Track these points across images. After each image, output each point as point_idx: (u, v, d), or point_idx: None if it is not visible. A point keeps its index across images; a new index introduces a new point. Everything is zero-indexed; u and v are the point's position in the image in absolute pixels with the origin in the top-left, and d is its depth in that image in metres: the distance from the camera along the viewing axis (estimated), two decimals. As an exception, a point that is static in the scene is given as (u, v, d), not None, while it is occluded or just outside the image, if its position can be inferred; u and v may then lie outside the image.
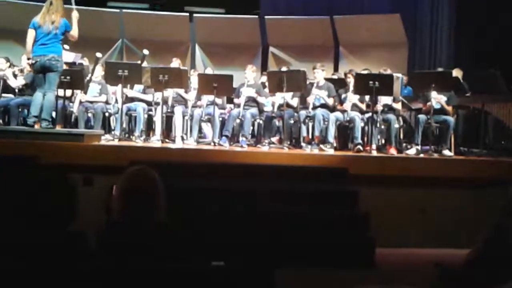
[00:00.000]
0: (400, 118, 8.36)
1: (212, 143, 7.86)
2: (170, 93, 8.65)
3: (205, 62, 12.36)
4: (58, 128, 7.49)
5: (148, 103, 8.60)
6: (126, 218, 2.53)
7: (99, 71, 8.81)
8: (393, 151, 7.58)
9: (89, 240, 2.50)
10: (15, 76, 8.74)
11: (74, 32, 7.04)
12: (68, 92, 8.34)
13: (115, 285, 2.26)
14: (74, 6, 7.24)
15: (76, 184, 2.58)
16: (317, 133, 7.90)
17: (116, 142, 7.66)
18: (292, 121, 8.50)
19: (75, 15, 7.12)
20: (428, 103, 7.69)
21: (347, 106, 8.11)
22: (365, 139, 7.90)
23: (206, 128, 9.38)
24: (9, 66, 8.91)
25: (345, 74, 9.06)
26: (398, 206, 6.01)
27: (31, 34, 6.96)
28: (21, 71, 8.82)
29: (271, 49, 12.61)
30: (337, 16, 12.17)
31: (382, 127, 8.17)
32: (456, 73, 8.75)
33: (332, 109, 8.23)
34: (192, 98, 8.73)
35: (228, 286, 2.38)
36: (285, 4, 12.98)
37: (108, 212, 2.72)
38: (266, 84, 8.57)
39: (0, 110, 8.60)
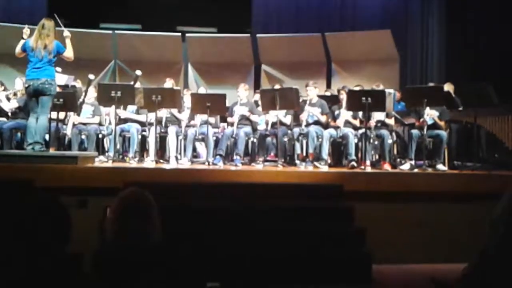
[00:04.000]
0: (394, 134, 8.39)
1: (207, 163, 7.85)
2: (163, 113, 8.66)
3: (198, 82, 12.42)
4: (52, 151, 7.47)
5: (142, 124, 8.61)
6: (121, 240, 2.53)
7: (92, 93, 8.82)
8: (387, 167, 7.60)
9: (84, 262, 2.49)
10: (8, 99, 8.74)
11: (69, 53, 7.05)
12: (61, 115, 8.34)
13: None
14: (63, 28, 7.27)
15: (70, 206, 2.57)
16: (311, 150, 7.91)
17: (110, 164, 7.64)
18: (285, 139, 8.51)
19: (66, 34, 7.16)
20: (422, 119, 7.72)
21: (340, 122, 8.13)
22: (359, 155, 7.92)
23: (200, 147, 9.40)
24: (3, 90, 8.91)
25: (338, 91, 9.10)
26: (394, 222, 6.00)
27: (20, 48, 7.00)
28: (15, 94, 8.82)
29: (264, 67, 12.67)
30: (328, 33, 12.26)
31: (376, 142, 8.19)
32: (448, 87, 8.80)
33: (326, 126, 8.25)
34: (186, 117, 8.74)
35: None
36: (277, 22, 13.09)
37: (103, 234, 2.71)
38: (259, 102, 8.59)
39: (-7, 133, 8.58)
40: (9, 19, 11.42)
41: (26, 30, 7.08)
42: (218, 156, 8.02)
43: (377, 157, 8.48)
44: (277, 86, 9.47)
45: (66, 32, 7.19)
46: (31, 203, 2.46)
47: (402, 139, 8.96)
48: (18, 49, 7.04)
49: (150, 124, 8.45)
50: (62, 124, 8.51)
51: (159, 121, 8.46)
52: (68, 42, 7.13)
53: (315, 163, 7.73)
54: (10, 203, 2.42)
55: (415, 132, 7.79)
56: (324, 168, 7.57)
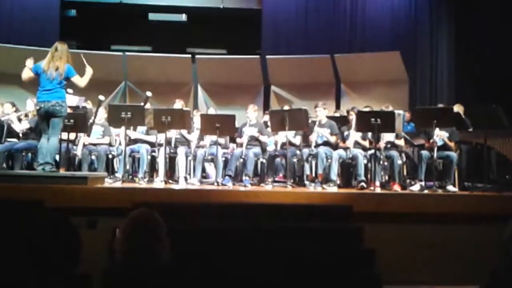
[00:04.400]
0: (403, 155, 8.36)
1: (216, 183, 7.86)
2: (173, 134, 8.69)
3: (207, 103, 12.45)
4: (62, 172, 7.50)
5: (152, 144, 8.64)
6: (130, 261, 2.53)
7: (102, 114, 8.88)
8: (397, 188, 7.57)
9: (93, 283, 2.49)
10: (19, 120, 8.80)
11: (80, 81, 7.06)
12: (72, 135, 8.38)
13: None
14: (87, 67, 7.28)
15: (80, 227, 2.58)
16: (320, 171, 7.90)
17: (119, 184, 7.66)
18: (295, 160, 8.50)
19: (89, 71, 7.18)
20: (431, 140, 7.70)
21: (349, 143, 8.13)
22: (369, 176, 7.89)
23: (210, 168, 9.40)
24: (14, 111, 8.98)
25: (347, 112, 9.11)
26: (404, 243, 5.97)
27: (27, 72, 7.04)
28: (26, 115, 8.89)
29: (273, 88, 12.69)
30: (337, 54, 12.29)
31: (385, 163, 8.17)
32: (457, 108, 8.79)
33: (335, 147, 8.25)
34: (195, 138, 8.76)
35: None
36: (286, 44, 13.13)
37: (112, 255, 2.71)
38: (269, 123, 8.61)
39: (4, 154, 8.62)
40: (21, 42, 11.53)
41: (29, 62, 7.11)
42: (227, 177, 8.03)
43: (386, 178, 8.45)
44: (286, 107, 9.50)
45: (90, 69, 7.21)
46: (40, 224, 2.47)
47: (412, 160, 8.93)
48: (25, 75, 7.08)
49: (160, 144, 8.48)
50: (72, 144, 8.55)
51: (168, 142, 8.48)
52: (87, 75, 7.15)
53: (325, 183, 7.71)
54: (20, 224, 2.43)
55: (424, 153, 7.77)
56: (333, 189, 7.55)
